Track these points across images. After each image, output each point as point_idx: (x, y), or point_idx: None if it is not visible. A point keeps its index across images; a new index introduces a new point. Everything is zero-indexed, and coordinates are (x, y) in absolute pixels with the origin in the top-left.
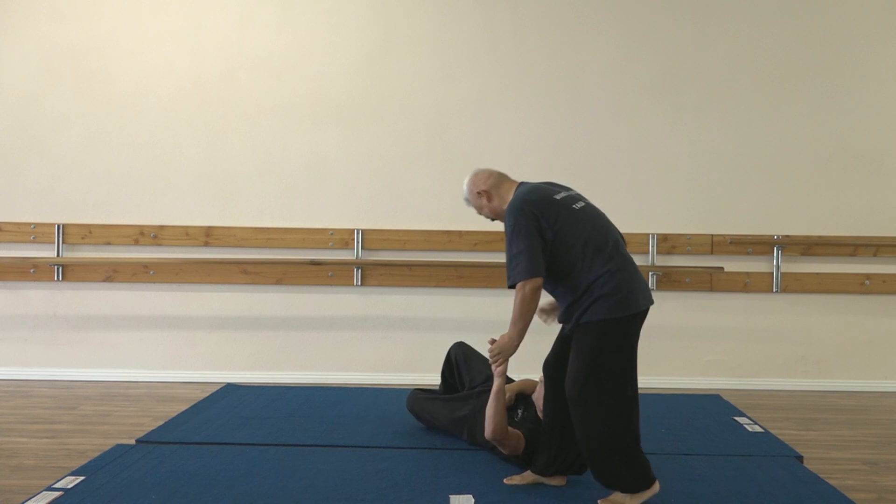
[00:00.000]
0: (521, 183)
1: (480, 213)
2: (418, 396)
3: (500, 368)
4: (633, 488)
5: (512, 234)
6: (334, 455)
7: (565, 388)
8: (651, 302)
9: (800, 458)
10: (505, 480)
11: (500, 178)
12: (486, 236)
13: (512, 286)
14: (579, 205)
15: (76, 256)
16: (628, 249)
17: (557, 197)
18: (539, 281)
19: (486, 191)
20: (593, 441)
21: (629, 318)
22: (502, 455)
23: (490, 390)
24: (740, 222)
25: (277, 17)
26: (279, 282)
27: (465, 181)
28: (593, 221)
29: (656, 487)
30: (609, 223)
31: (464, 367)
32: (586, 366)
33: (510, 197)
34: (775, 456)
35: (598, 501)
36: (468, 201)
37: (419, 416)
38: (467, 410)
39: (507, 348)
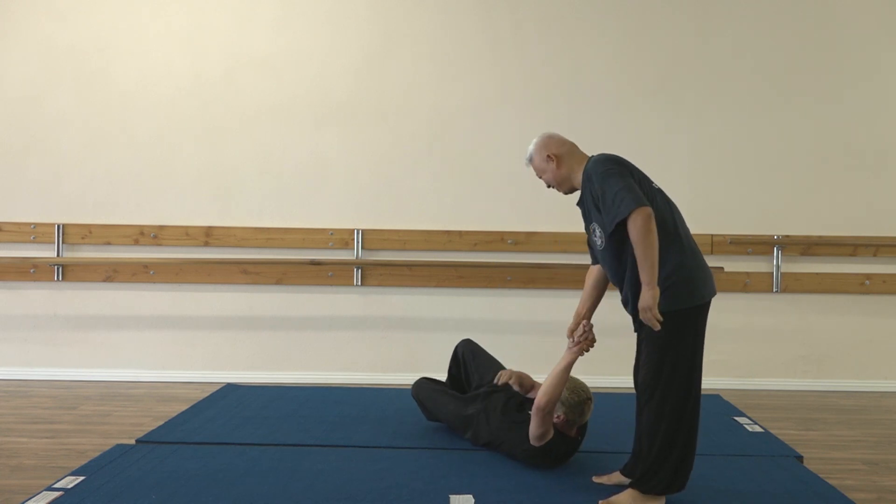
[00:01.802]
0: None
1: (540, 177)
2: (425, 385)
3: (576, 348)
4: (656, 490)
5: (606, 176)
6: (334, 455)
7: (637, 379)
8: (715, 293)
9: (800, 458)
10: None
11: (573, 148)
12: (486, 236)
13: (619, 224)
14: (656, 185)
15: (76, 256)
16: None
17: (637, 175)
18: (649, 209)
19: (557, 156)
20: (659, 436)
21: (697, 308)
22: (508, 452)
23: (497, 391)
24: (740, 222)
25: (277, 18)
26: (279, 282)
27: (534, 141)
28: (668, 205)
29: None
30: (679, 212)
31: (472, 364)
32: (660, 357)
33: (579, 168)
34: (775, 456)
35: (599, 503)
36: (530, 161)
37: (422, 404)
38: (473, 410)
39: (653, 301)
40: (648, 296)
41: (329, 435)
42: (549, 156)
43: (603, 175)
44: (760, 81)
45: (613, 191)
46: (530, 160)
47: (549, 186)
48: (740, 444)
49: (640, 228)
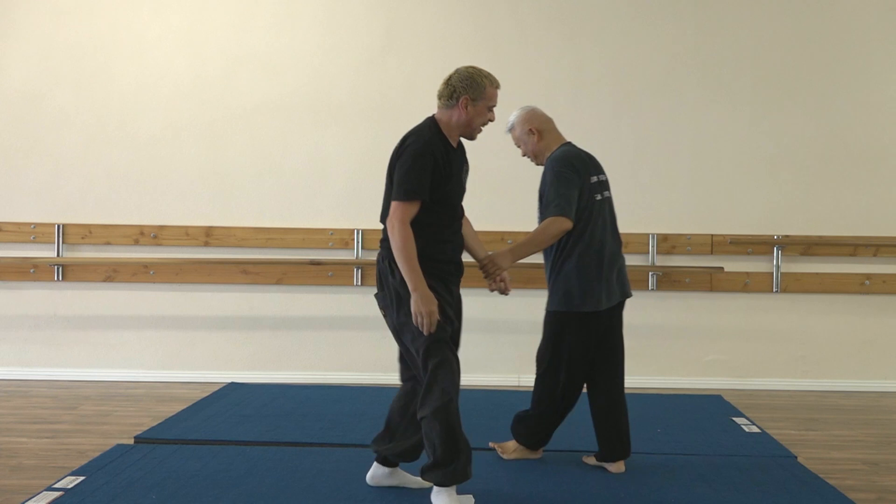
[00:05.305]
0: (568, 142)
1: (518, 146)
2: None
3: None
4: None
5: (557, 179)
6: (334, 454)
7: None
8: (601, 307)
9: (793, 459)
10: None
11: (552, 125)
12: (486, 236)
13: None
14: (599, 196)
15: (76, 256)
16: (628, 249)
17: (592, 180)
18: (568, 224)
19: (539, 130)
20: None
21: (574, 314)
22: None
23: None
24: (740, 222)
25: (277, 17)
26: (279, 282)
27: (518, 113)
28: (604, 217)
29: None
30: (611, 224)
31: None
32: (544, 348)
33: (555, 146)
34: (772, 457)
35: (490, 444)
36: (512, 129)
37: None
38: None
39: (501, 261)
40: (502, 254)
41: (329, 434)
42: (531, 129)
43: (555, 175)
44: (761, 82)
45: (554, 193)
46: (511, 129)
47: (524, 156)
48: (736, 445)
49: (544, 230)
